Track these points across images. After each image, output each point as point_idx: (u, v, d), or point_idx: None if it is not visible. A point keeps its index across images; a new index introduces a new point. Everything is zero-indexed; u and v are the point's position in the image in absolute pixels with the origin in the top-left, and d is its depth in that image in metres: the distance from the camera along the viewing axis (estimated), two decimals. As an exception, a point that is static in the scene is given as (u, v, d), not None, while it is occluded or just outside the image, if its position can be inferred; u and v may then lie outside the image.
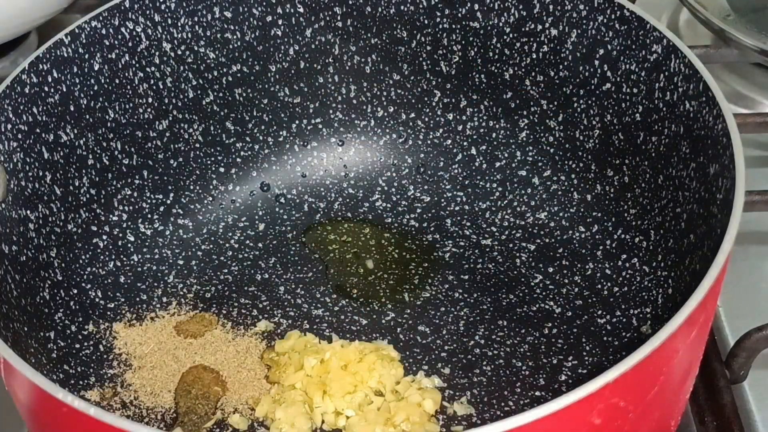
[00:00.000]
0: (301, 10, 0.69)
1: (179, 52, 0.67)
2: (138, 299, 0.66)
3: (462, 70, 0.70)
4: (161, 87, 0.67)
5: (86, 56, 0.63)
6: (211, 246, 0.69)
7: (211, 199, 0.71)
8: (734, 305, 0.65)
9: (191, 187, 0.71)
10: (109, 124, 0.65)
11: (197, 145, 0.70)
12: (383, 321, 0.64)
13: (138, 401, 0.60)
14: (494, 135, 0.71)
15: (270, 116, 0.72)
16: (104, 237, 0.66)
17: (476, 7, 0.67)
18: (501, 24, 0.66)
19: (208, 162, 0.71)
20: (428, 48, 0.70)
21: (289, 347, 0.62)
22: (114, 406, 0.60)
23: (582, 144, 0.66)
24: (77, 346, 0.62)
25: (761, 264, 0.69)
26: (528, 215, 0.69)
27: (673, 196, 0.59)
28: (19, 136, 0.59)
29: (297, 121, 0.73)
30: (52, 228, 0.61)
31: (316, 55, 0.71)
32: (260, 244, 0.69)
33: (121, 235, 0.67)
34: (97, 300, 0.64)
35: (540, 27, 0.65)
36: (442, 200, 0.71)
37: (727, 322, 0.64)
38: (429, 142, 0.73)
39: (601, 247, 0.65)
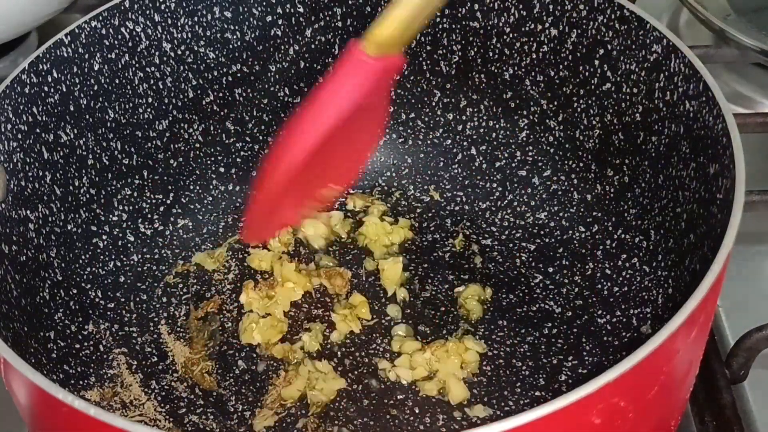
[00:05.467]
0: (301, 10, 0.69)
1: (179, 52, 0.67)
2: (138, 299, 0.66)
3: (462, 70, 0.70)
4: (161, 87, 0.67)
5: (86, 56, 0.63)
6: (211, 246, 0.69)
7: (211, 199, 0.71)
8: (734, 305, 0.65)
9: (191, 187, 0.71)
10: (109, 124, 0.65)
11: (197, 145, 0.70)
12: (383, 321, 0.64)
13: (138, 401, 0.60)
14: (494, 135, 0.71)
15: (270, 116, 0.72)
16: (104, 237, 0.66)
17: (476, 7, 0.67)
18: (501, 24, 0.66)
19: (208, 162, 0.71)
20: (428, 48, 0.70)
21: None
22: (114, 406, 0.60)
23: (582, 144, 0.66)
24: (77, 346, 0.62)
25: (761, 264, 0.69)
26: (528, 215, 0.69)
27: (673, 196, 0.59)
28: (19, 136, 0.59)
29: (297, 121, 0.73)
30: (52, 228, 0.61)
31: (316, 55, 0.71)
32: (260, 244, 0.69)
33: (121, 235, 0.67)
34: (97, 300, 0.64)
35: (540, 27, 0.65)
36: (442, 200, 0.71)
37: (727, 322, 0.64)
38: (429, 142, 0.73)
39: (601, 247, 0.65)
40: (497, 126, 0.70)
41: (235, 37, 0.69)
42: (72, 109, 0.63)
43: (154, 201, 0.69)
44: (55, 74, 0.61)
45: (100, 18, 0.63)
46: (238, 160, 0.72)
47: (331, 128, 0.53)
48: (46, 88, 0.61)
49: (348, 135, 0.55)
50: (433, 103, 0.72)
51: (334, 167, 0.59)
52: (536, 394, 0.59)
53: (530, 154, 0.70)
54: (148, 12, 0.65)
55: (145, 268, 0.67)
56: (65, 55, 0.62)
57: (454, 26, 0.68)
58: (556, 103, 0.67)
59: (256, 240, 0.66)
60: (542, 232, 0.68)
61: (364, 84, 0.52)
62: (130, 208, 0.68)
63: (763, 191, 0.66)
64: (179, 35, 0.67)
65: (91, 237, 0.65)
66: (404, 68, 0.54)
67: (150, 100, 0.67)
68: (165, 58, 0.67)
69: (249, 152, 0.72)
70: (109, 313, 0.64)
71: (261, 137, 0.72)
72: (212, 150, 0.71)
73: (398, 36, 0.51)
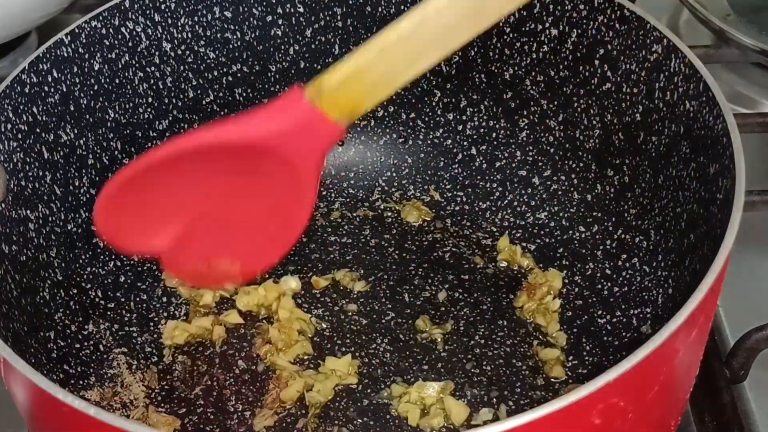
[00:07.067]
0: (301, 10, 0.69)
1: (179, 52, 0.67)
2: (138, 299, 0.66)
3: (462, 70, 0.70)
4: (161, 87, 0.67)
5: (86, 56, 0.63)
6: (211, 246, 0.69)
7: (211, 199, 0.71)
8: (734, 305, 0.65)
9: (191, 187, 0.71)
10: (109, 124, 0.65)
11: (197, 145, 0.70)
12: (383, 321, 0.64)
13: (138, 401, 0.60)
14: (494, 135, 0.71)
15: (270, 116, 0.72)
16: (104, 237, 0.66)
17: (476, 7, 0.67)
18: (501, 24, 0.66)
19: (208, 162, 0.71)
20: (428, 48, 0.70)
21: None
22: (114, 406, 0.60)
23: (582, 144, 0.66)
24: (77, 346, 0.62)
25: (761, 264, 0.69)
26: (528, 215, 0.69)
27: (673, 196, 0.59)
28: (19, 136, 0.59)
29: (297, 121, 0.73)
30: (52, 228, 0.61)
31: (316, 55, 0.71)
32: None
33: (121, 235, 0.67)
34: (97, 300, 0.64)
35: (540, 27, 0.65)
36: (442, 200, 0.71)
37: (727, 322, 0.64)
38: (429, 142, 0.73)
39: (601, 247, 0.65)
40: (497, 126, 0.70)
41: (235, 37, 0.69)
42: (72, 109, 0.63)
43: (154, 201, 0.69)
44: (55, 74, 0.61)
45: (100, 18, 0.63)
46: (238, 160, 0.72)
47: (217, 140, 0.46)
48: (46, 88, 0.61)
49: (259, 200, 0.49)
50: (433, 103, 0.72)
51: (241, 238, 0.52)
52: (536, 394, 0.59)
53: (530, 154, 0.70)
54: (148, 12, 0.65)
55: (145, 268, 0.67)
56: (65, 55, 0.62)
57: (454, 26, 0.68)
58: (556, 103, 0.67)
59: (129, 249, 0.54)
60: (542, 232, 0.68)
61: (282, 121, 0.45)
62: (130, 208, 0.67)
63: (763, 191, 0.66)
64: (179, 35, 0.67)
65: (91, 237, 0.65)
66: (338, 142, 0.45)
67: (150, 100, 0.67)
68: (165, 58, 0.67)
69: (249, 152, 0.72)
70: (109, 313, 0.64)
71: (261, 137, 0.72)
72: (212, 150, 0.71)
73: (349, 94, 0.43)
